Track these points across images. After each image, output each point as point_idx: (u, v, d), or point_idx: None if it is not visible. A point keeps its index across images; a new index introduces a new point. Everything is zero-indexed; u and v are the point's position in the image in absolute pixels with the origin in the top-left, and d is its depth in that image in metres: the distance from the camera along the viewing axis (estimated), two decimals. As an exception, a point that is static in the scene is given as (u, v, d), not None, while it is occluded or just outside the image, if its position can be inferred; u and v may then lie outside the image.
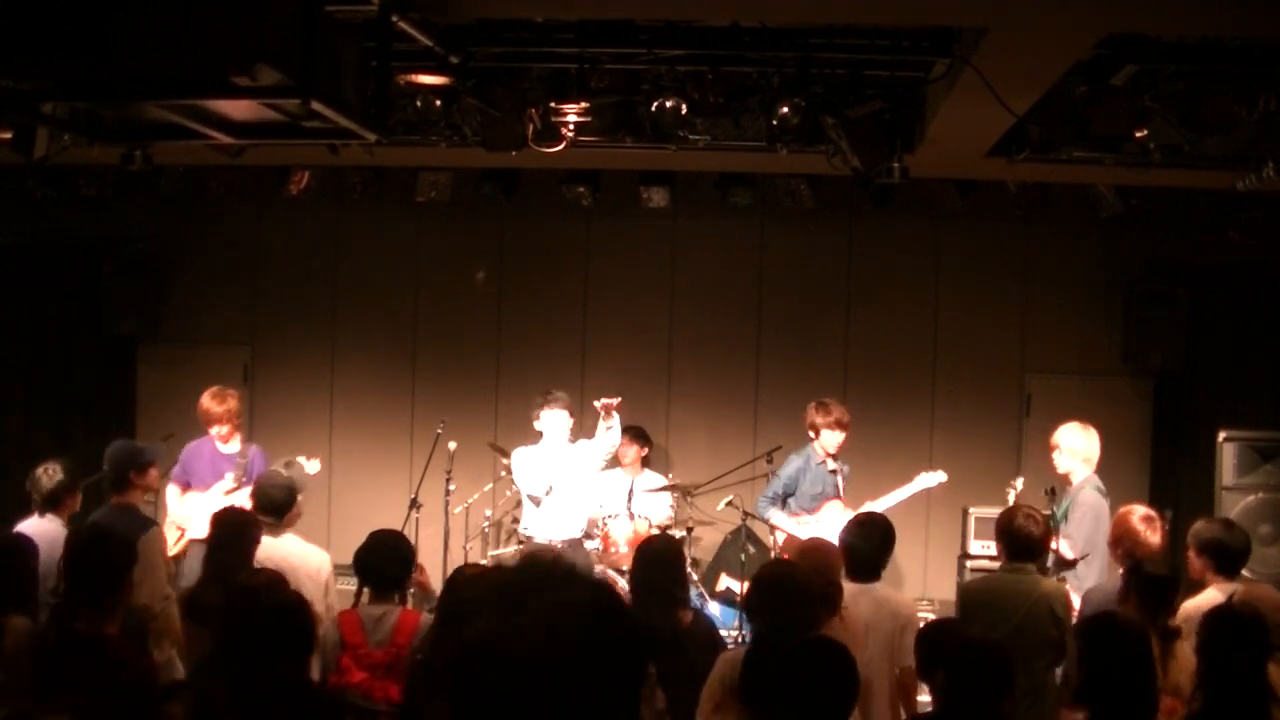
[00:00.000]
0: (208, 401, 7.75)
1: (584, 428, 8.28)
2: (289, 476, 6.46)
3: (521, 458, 7.82)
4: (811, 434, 8.12)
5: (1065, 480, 6.96)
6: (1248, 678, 4.03)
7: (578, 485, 7.81)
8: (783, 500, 8.21)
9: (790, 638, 3.93)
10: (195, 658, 5.07)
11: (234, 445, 7.80)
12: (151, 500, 7.20)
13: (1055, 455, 6.97)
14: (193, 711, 3.69)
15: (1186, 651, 4.67)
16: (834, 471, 8.07)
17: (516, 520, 8.85)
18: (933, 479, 8.10)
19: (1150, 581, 4.98)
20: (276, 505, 5.93)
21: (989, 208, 8.91)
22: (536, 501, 7.77)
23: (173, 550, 7.59)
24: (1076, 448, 6.89)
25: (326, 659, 4.87)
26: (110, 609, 4.27)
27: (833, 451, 8.07)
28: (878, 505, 7.62)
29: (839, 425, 8.02)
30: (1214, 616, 4.27)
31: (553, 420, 7.74)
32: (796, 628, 4.27)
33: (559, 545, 7.62)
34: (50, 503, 5.92)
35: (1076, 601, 5.80)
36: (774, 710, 3.40)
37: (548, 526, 7.73)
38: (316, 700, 4.07)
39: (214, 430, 7.74)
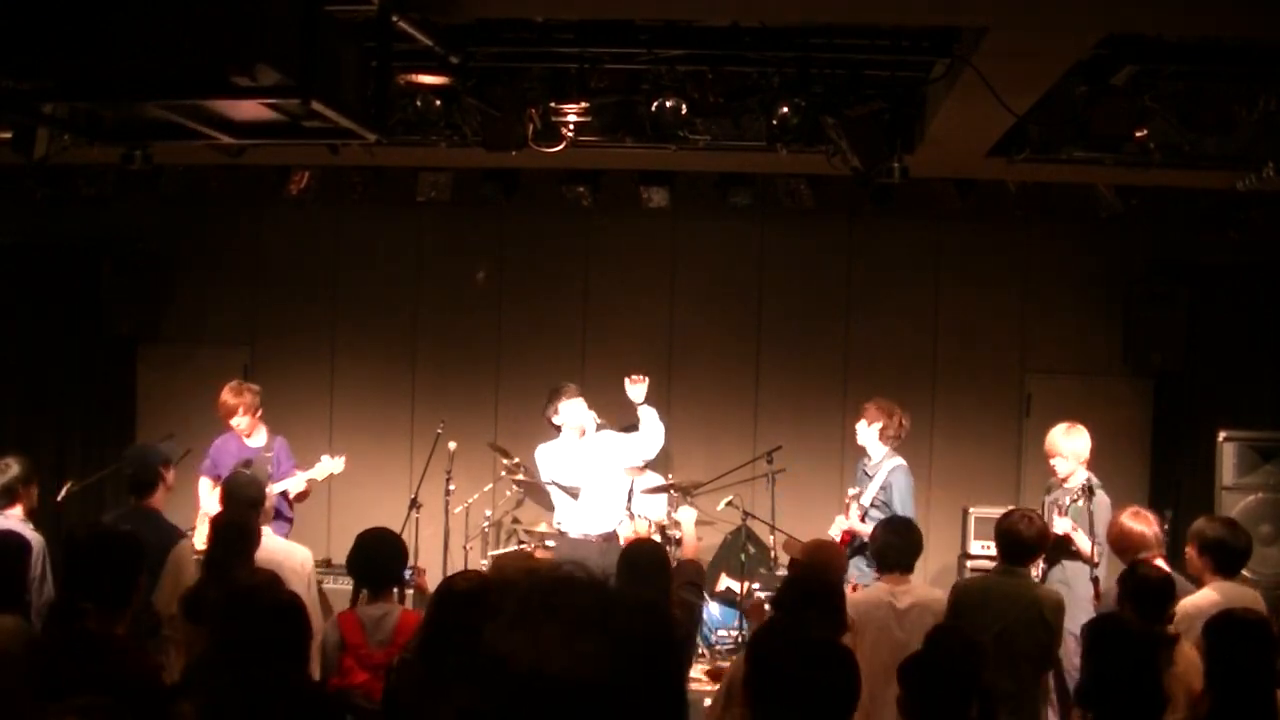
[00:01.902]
0: (225, 394, 7.95)
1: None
2: (253, 474, 6.51)
3: (547, 453, 7.77)
4: None
5: (1063, 483, 6.95)
6: (1256, 680, 4.03)
7: (609, 477, 7.77)
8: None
9: (820, 634, 3.93)
10: (194, 658, 5.07)
11: (259, 439, 7.97)
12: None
13: (1058, 462, 6.94)
14: (202, 712, 3.69)
15: (1186, 653, 4.67)
16: (867, 474, 7.86)
17: (517, 520, 8.85)
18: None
19: (1146, 587, 4.99)
20: (255, 502, 5.98)
21: (989, 208, 8.90)
22: (575, 494, 7.69)
23: (205, 545, 7.63)
24: (1080, 450, 6.90)
25: (328, 660, 4.87)
26: (120, 609, 4.28)
27: (870, 454, 7.91)
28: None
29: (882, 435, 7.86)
30: (1219, 620, 4.26)
31: (574, 410, 7.69)
32: (832, 624, 4.30)
33: (595, 540, 7.64)
34: (6, 496, 5.94)
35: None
36: (775, 710, 3.39)
37: (583, 521, 7.69)
38: (317, 700, 4.07)
39: (233, 422, 7.91)
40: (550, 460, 7.77)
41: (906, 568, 5.62)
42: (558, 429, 7.81)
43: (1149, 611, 4.86)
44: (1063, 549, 6.71)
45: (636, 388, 7.95)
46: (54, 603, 5.13)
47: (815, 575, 5.01)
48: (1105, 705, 3.83)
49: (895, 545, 5.65)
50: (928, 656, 3.91)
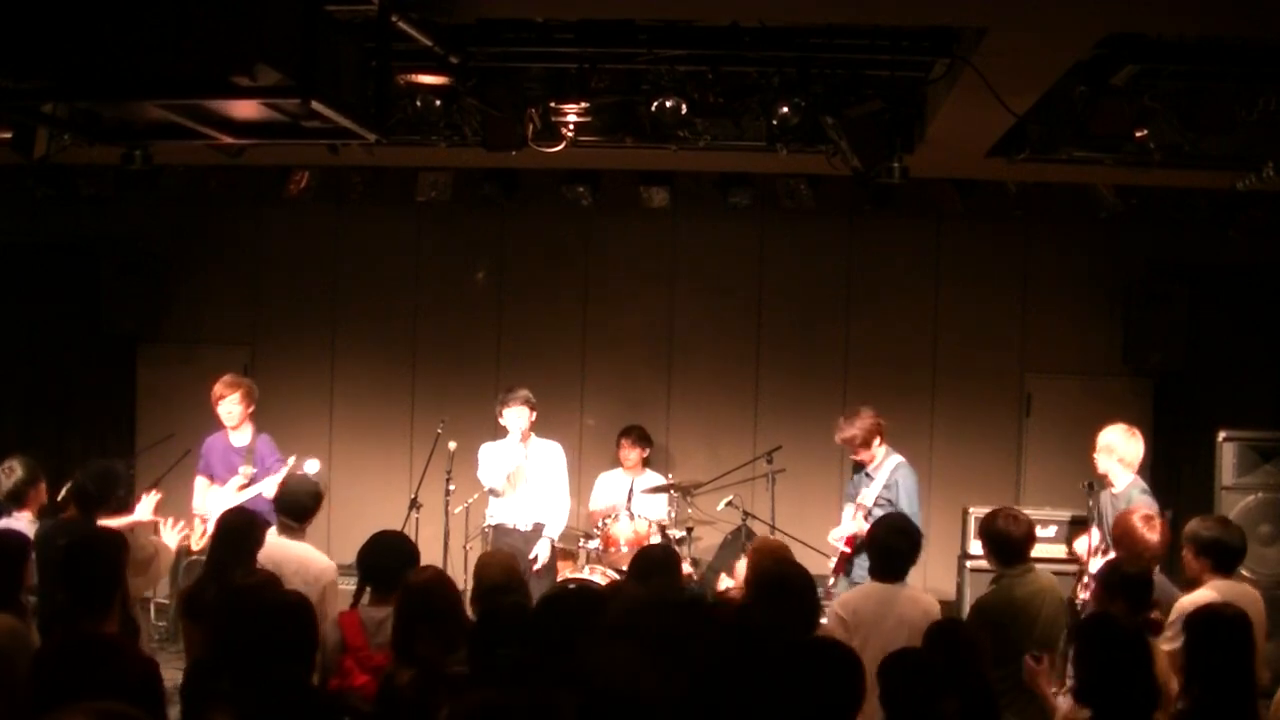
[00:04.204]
0: (217, 384, 7.86)
1: (584, 430, 8.32)
2: (316, 481, 6.39)
3: (486, 452, 8.13)
4: None
5: (1105, 480, 6.85)
6: (1234, 675, 4.05)
7: (537, 476, 8.11)
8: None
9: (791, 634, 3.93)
10: (194, 657, 5.06)
11: (245, 436, 7.88)
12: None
13: (1095, 455, 6.79)
14: (198, 714, 3.69)
15: (1159, 649, 4.72)
16: (869, 475, 7.71)
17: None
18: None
19: (1131, 580, 5.04)
20: (303, 510, 5.88)
21: (989, 208, 8.90)
22: (497, 493, 8.13)
23: (199, 544, 7.60)
24: (1115, 447, 6.73)
25: (328, 661, 4.85)
26: (109, 609, 4.28)
27: (858, 459, 7.77)
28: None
29: (841, 443, 7.79)
30: (1199, 616, 4.29)
31: (513, 417, 8.00)
32: (801, 624, 4.30)
33: (521, 531, 8.04)
34: (14, 500, 5.92)
35: None
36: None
37: (511, 514, 8.12)
38: (315, 702, 4.06)
39: (221, 409, 7.79)
40: (486, 455, 8.12)
41: (904, 574, 5.56)
42: (505, 429, 8.13)
43: (1138, 604, 4.95)
44: None
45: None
46: (46, 605, 5.14)
47: (790, 570, 5.00)
48: (1103, 703, 3.84)
49: (901, 551, 5.56)
50: (912, 652, 3.93)
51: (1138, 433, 6.84)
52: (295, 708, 3.79)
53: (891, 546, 5.50)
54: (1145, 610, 5.01)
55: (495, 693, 3.25)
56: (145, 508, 6.87)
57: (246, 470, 7.70)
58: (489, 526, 8.25)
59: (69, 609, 4.31)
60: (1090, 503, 6.78)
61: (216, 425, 7.96)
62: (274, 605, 4.08)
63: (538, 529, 8.09)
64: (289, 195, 9.13)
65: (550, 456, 8.21)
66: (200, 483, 7.93)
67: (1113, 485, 6.79)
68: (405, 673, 4.12)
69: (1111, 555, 6.53)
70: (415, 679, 4.08)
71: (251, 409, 7.92)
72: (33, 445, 8.06)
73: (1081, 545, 6.88)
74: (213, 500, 7.69)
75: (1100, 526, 6.82)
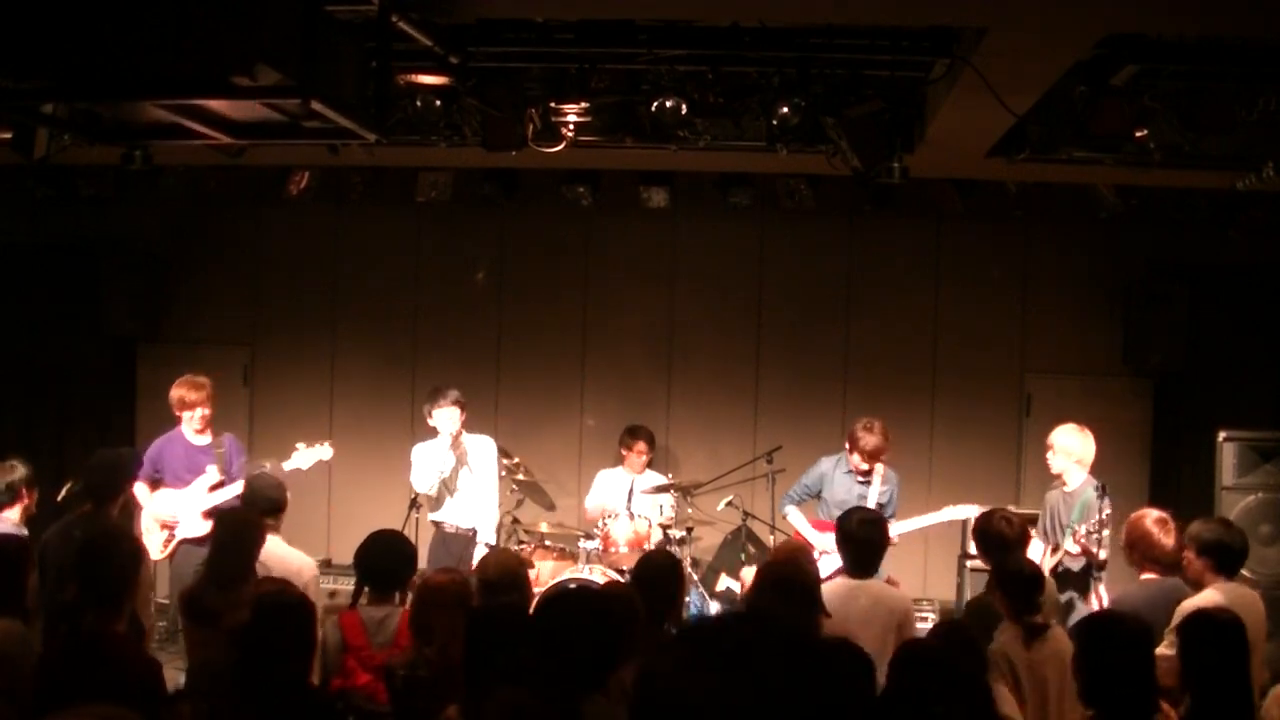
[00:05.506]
0: (184, 389, 7.66)
1: (584, 430, 8.27)
2: (276, 477, 6.42)
3: (417, 453, 7.99)
4: (848, 444, 7.71)
5: (1060, 481, 6.93)
6: (1229, 679, 4.05)
7: (474, 478, 8.00)
8: (810, 502, 7.93)
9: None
10: (195, 658, 5.06)
11: (206, 435, 7.73)
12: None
13: (1049, 456, 6.94)
14: (200, 713, 3.69)
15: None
16: (865, 482, 7.67)
17: (517, 521, 8.87)
18: (962, 511, 7.73)
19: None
20: (277, 505, 5.91)
21: (989, 208, 8.90)
22: (430, 497, 7.98)
23: (163, 552, 7.54)
24: (1070, 448, 6.85)
25: (329, 661, 4.86)
26: (120, 608, 4.28)
27: (864, 468, 7.65)
28: (899, 528, 7.50)
29: (864, 453, 7.56)
30: (1193, 620, 4.28)
31: (444, 417, 7.84)
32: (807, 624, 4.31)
33: (465, 534, 7.94)
34: (8, 494, 5.92)
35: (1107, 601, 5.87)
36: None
37: (452, 516, 8.01)
38: (315, 702, 4.06)
39: (190, 415, 7.63)
40: (419, 457, 7.96)
41: (876, 569, 5.62)
42: (436, 430, 7.93)
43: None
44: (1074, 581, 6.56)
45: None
46: (53, 603, 5.14)
47: (795, 569, 5.01)
48: (1106, 703, 3.84)
49: (876, 543, 5.59)
50: (933, 650, 3.92)
51: (1088, 431, 6.93)
52: (295, 707, 3.79)
53: (866, 539, 5.53)
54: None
55: (518, 693, 3.26)
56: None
57: (221, 469, 7.61)
58: (436, 523, 8.08)
59: (76, 606, 4.31)
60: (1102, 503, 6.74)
61: (173, 426, 7.76)
62: (274, 606, 4.08)
63: (474, 534, 7.96)
64: (289, 195, 9.14)
65: (480, 453, 8.05)
66: (141, 489, 7.41)
67: (1065, 484, 6.85)
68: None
69: (1061, 554, 6.57)
70: (420, 677, 4.09)
71: (213, 407, 7.77)
72: (33, 445, 8.09)
73: (1035, 551, 6.87)
74: (179, 503, 7.54)
75: (1054, 525, 6.84)
